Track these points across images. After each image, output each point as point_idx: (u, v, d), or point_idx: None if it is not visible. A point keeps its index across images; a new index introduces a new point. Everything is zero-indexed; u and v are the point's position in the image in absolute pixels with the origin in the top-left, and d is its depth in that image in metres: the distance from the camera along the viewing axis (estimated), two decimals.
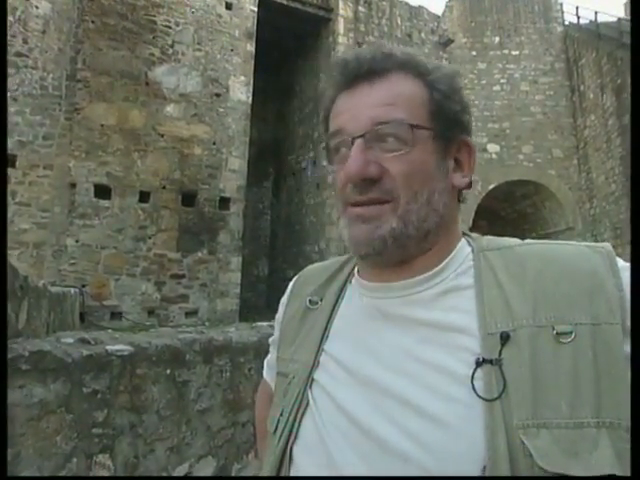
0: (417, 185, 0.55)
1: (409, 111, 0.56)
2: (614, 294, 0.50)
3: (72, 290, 5.44)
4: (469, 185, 0.63)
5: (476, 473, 0.45)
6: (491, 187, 11.68)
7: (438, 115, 0.57)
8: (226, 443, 2.58)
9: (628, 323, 0.49)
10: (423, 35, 11.48)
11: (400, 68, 0.59)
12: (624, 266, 0.53)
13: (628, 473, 0.43)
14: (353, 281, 0.66)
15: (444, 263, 0.58)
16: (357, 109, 0.57)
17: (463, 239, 0.62)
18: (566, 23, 12.88)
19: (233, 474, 2.59)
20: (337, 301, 0.66)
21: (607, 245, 0.56)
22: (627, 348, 0.48)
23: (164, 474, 2.29)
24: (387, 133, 0.55)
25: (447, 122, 0.58)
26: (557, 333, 0.48)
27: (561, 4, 12.94)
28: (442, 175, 0.58)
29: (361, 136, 0.55)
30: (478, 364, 0.49)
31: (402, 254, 0.57)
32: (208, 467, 2.51)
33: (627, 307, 0.50)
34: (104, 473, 2.06)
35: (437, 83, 0.58)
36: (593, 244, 0.57)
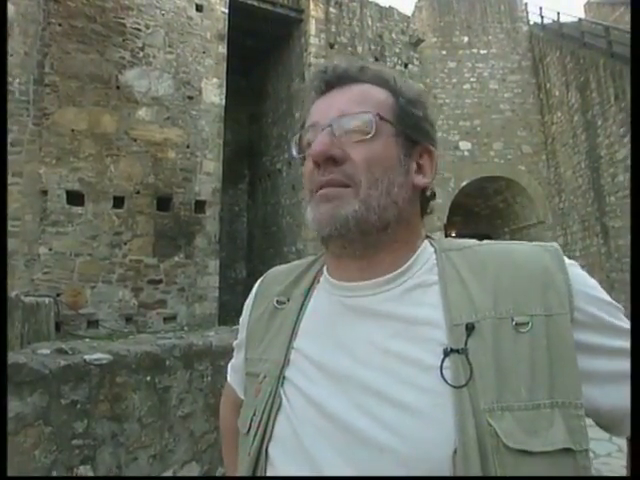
0: (378, 172, 0.59)
1: (376, 108, 0.61)
2: (563, 288, 0.55)
3: (46, 300, 5.31)
4: (433, 195, 0.68)
5: (448, 456, 0.48)
6: (464, 184, 11.89)
7: (402, 118, 0.62)
8: (210, 448, 2.58)
9: (575, 314, 0.54)
10: (394, 35, 11.59)
11: (371, 80, 0.64)
12: (570, 263, 0.59)
13: (579, 446, 0.49)
14: (321, 280, 0.68)
15: (409, 262, 0.61)
16: (329, 106, 0.63)
17: (426, 240, 0.66)
18: (531, 23, 13.24)
19: None
20: (305, 300, 0.67)
21: (555, 244, 0.61)
22: (575, 336, 0.53)
23: None
24: (353, 125, 0.60)
25: (410, 126, 0.63)
26: (516, 324, 0.53)
27: (525, 4, 13.28)
28: (403, 170, 0.61)
29: (329, 125, 0.60)
30: (446, 354, 0.52)
31: (365, 241, 0.60)
32: (192, 473, 2.51)
33: (573, 299, 0.55)
34: None
35: (402, 92, 0.64)
36: (543, 243, 0.62)
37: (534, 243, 0.62)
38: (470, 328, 0.53)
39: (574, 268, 0.58)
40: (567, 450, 0.48)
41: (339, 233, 0.58)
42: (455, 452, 0.48)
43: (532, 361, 0.51)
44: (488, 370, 0.50)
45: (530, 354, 0.51)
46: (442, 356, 0.52)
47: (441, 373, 0.51)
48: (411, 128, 0.63)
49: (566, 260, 0.58)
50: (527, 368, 0.50)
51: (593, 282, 0.58)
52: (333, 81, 0.64)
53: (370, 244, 0.60)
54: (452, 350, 0.52)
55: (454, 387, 0.50)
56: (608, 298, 0.58)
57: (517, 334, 0.52)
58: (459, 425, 0.48)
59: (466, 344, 0.52)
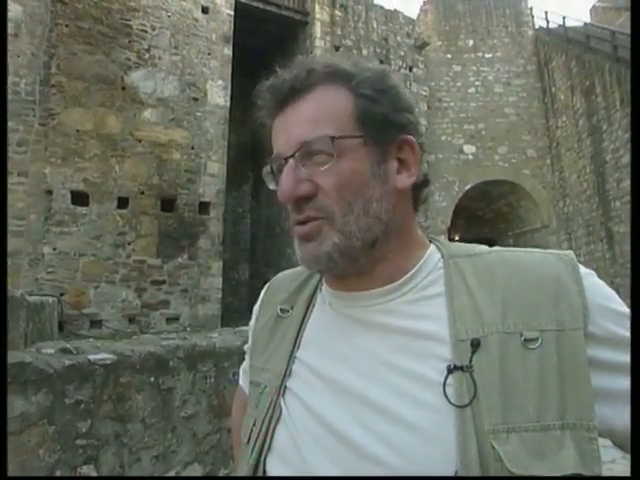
0: (349, 196, 0.55)
1: (333, 124, 0.56)
2: (576, 300, 0.52)
3: (50, 299, 5.32)
4: (425, 183, 0.63)
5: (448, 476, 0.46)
6: (468, 187, 11.88)
7: (366, 121, 0.57)
8: (212, 449, 2.58)
9: (590, 328, 0.51)
10: (399, 38, 11.60)
11: (325, 80, 0.58)
12: (585, 272, 0.55)
13: (591, 471, 0.46)
14: (323, 289, 0.66)
15: (413, 271, 0.58)
16: (287, 131, 0.58)
17: (432, 245, 0.62)
18: (536, 27, 13.23)
19: None
20: (308, 309, 0.66)
21: (570, 253, 0.57)
22: (589, 352, 0.50)
23: None
24: (314, 150, 0.55)
25: (378, 126, 0.57)
26: (525, 339, 0.50)
27: (531, 8, 13.28)
28: (380, 181, 0.57)
29: (291, 156, 0.57)
30: (450, 371, 0.50)
31: (355, 266, 0.57)
32: (195, 474, 2.51)
33: (588, 313, 0.52)
34: None
35: (361, 88, 0.58)
36: (557, 251, 0.58)
37: (548, 251, 0.59)
38: (476, 344, 0.50)
39: (590, 278, 0.55)
40: (577, 476, 0.45)
41: (327, 268, 0.57)
42: (456, 474, 0.46)
43: (541, 379, 0.48)
44: (494, 389, 0.48)
45: (539, 372, 0.48)
46: (445, 373, 0.50)
47: (444, 391, 0.49)
48: (379, 129, 0.57)
49: (582, 269, 0.55)
50: (536, 387, 0.48)
51: (610, 293, 0.55)
52: (286, 98, 0.59)
53: (362, 264, 0.58)
54: (456, 367, 0.50)
55: (457, 406, 0.48)
56: (625, 310, 0.54)
57: (526, 350, 0.49)
58: (461, 446, 0.46)
59: (471, 361, 0.50)
